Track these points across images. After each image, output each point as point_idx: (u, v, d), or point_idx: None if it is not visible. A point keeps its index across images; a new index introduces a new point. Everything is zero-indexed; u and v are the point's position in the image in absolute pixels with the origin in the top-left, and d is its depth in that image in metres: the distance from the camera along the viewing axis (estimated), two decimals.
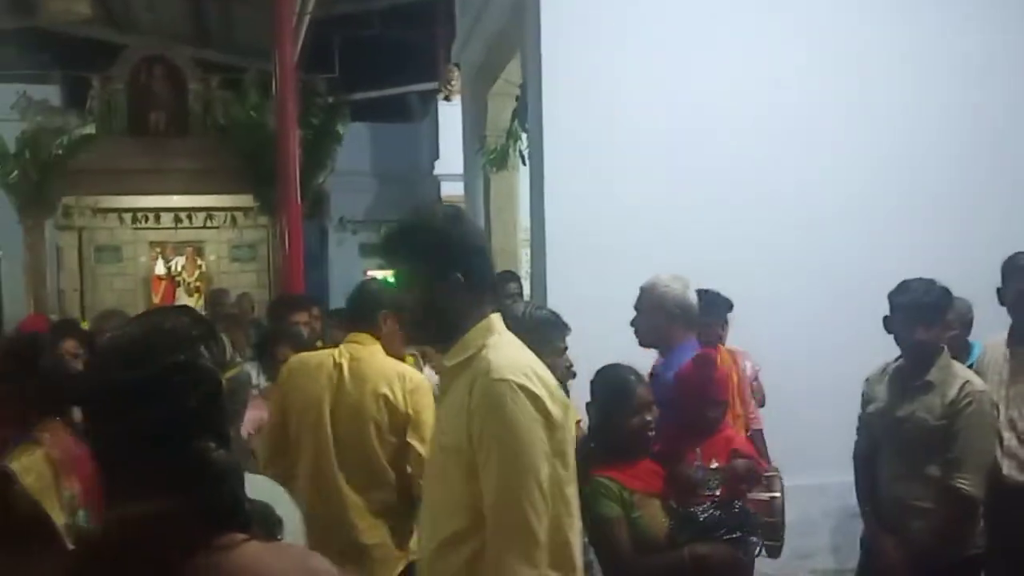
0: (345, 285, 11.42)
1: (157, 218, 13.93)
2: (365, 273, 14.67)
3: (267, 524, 1.57)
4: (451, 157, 12.71)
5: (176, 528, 1.31)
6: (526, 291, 6.11)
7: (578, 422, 3.37)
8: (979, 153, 5.75)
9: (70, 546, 2.22)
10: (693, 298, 3.81)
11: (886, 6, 5.82)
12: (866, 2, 5.82)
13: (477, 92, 8.28)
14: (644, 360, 4.54)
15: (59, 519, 2.62)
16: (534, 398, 1.97)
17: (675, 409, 3.29)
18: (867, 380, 3.92)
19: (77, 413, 3.63)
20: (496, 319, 2.15)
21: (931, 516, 3.51)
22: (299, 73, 9.95)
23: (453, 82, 12.93)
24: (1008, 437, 3.93)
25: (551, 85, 5.59)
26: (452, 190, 13.38)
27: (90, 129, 11.85)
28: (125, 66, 12.27)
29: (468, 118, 8.69)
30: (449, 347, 2.14)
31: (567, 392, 3.04)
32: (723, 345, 4.79)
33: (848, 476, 4.04)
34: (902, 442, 3.63)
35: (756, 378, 5.04)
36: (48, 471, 2.76)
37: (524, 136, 6.71)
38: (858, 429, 3.95)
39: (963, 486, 3.45)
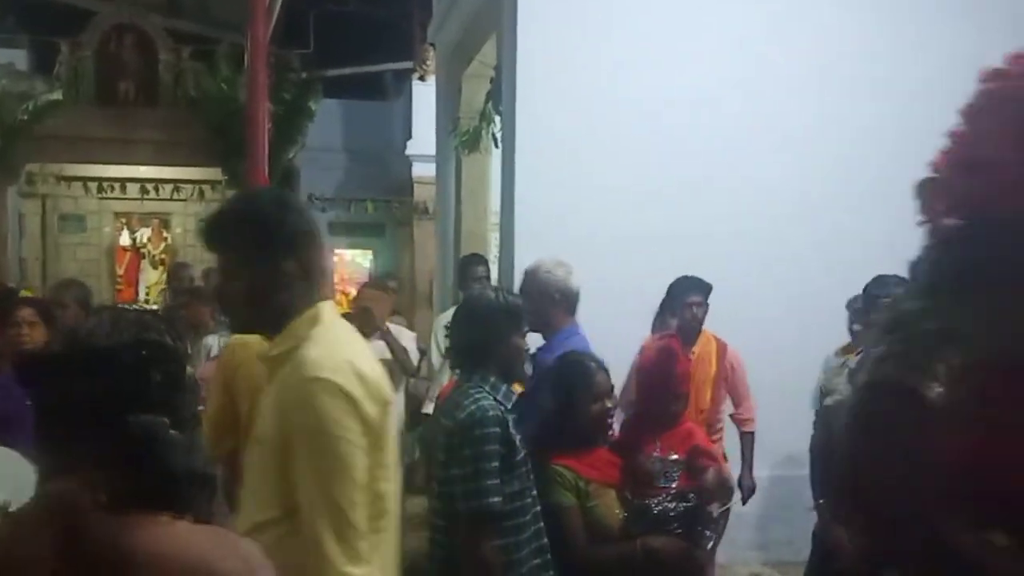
0: None
1: (123, 188, 13.74)
2: (333, 251, 14.59)
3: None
4: (424, 137, 12.61)
5: (97, 502, 1.32)
6: (494, 275, 6.09)
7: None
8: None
9: None
10: (575, 284, 3.85)
11: (860, 5, 5.84)
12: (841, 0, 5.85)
13: (452, 73, 8.21)
14: (610, 344, 4.54)
15: None
16: (346, 397, 1.89)
17: (638, 400, 3.30)
18: (824, 372, 3.94)
19: None
20: (325, 308, 2.05)
21: None
22: (272, 47, 9.80)
23: (428, 62, 12.84)
24: None
25: (526, 68, 5.56)
26: (424, 171, 13.30)
27: (57, 95, 11.65)
28: (95, 33, 12.07)
29: (442, 99, 8.63)
30: (274, 337, 2.04)
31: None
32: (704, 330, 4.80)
33: (802, 470, 4.07)
34: None
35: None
36: None
37: (497, 119, 6.67)
38: (815, 423, 3.97)
39: None
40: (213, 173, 12.62)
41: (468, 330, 2.92)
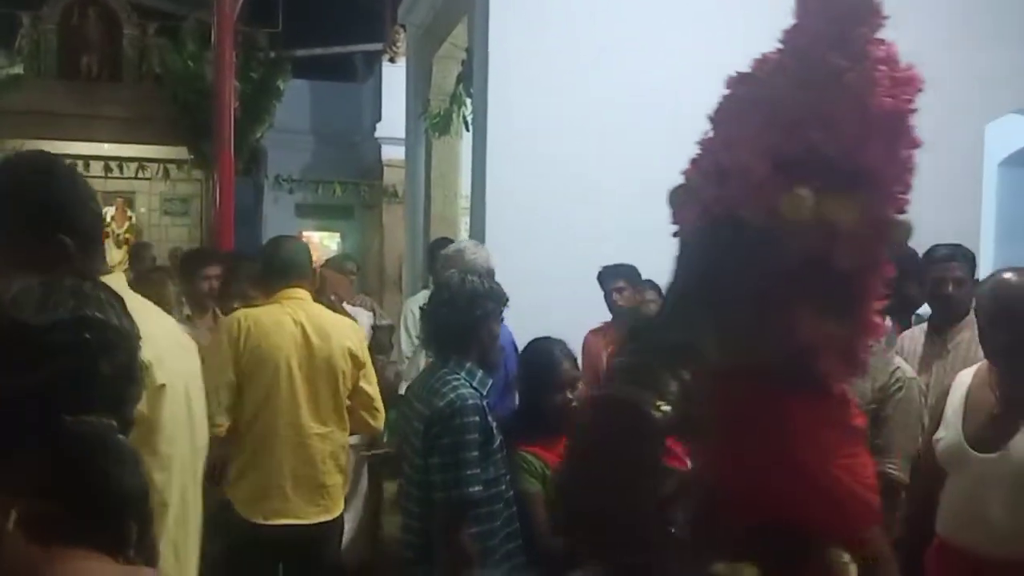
0: None
1: (87, 166, 13.46)
2: (300, 233, 14.45)
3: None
4: (394, 120, 12.48)
5: (5, 529, 1.04)
6: None
7: None
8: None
9: None
10: (493, 266, 3.93)
11: None
12: None
13: (422, 54, 8.13)
14: (578, 333, 4.51)
15: None
16: None
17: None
18: None
19: None
20: (113, 281, 1.91)
21: None
22: (240, 25, 9.66)
23: (398, 43, 12.71)
24: None
25: (498, 51, 5.50)
26: (393, 153, 13.19)
27: (18, 70, 11.41)
28: (57, 6, 11.83)
29: (412, 81, 8.54)
30: None
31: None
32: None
33: None
34: None
35: None
36: None
37: (469, 102, 6.60)
38: None
39: (890, 471, 3.47)
40: (179, 152, 12.43)
41: (448, 314, 2.85)
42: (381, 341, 5.60)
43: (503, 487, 2.78)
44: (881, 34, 1.35)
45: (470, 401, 2.68)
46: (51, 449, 1.06)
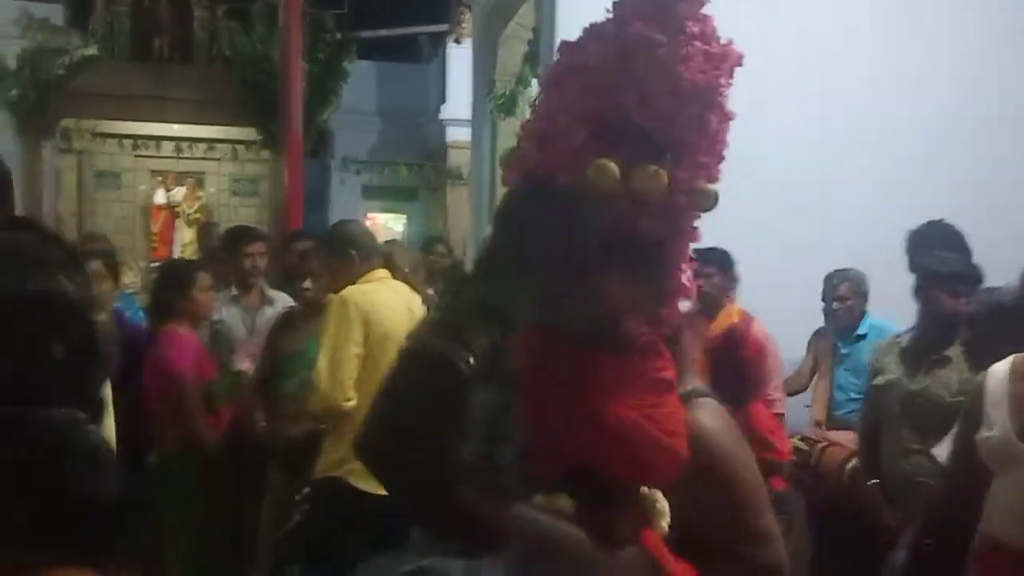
0: None
1: (158, 146, 13.73)
2: (366, 215, 14.54)
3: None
4: (458, 101, 12.50)
5: None
6: None
7: None
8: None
9: None
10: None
11: None
12: None
13: (488, 35, 8.06)
14: None
15: None
16: None
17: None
18: (875, 351, 3.82)
19: None
20: None
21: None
22: (306, 6, 9.71)
23: (464, 24, 12.69)
24: None
25: (565, 31, 5.41)
26: (458, 135, 13.20)
27: (92, 51, 11.62)
28: None
29: (478, 61, 8.48)
30: None
31: None
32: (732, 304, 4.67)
33: None
34: (913, 417, 3.53)
35: None
36: None
37: (534, 82, 6.52)
38: (864, 401, 3.86)
39: None
40: (248, 133, 12.58)
41: None
42: None
43: None
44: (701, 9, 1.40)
45: None
46: (6, 451, 0.88)
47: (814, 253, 5.08)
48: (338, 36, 12.35)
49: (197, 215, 14.17)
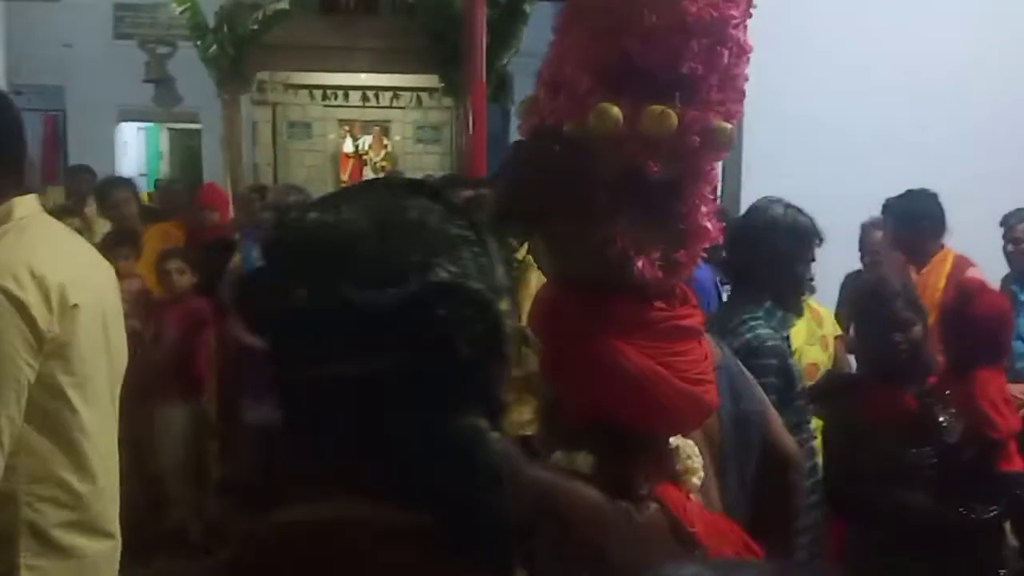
0: None
1: (346, 96, 14.12)
2: None
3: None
4: None
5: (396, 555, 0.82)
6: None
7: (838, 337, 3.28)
8: None
9: None
10: None
11: None
12: None
13: None
14: (829, 292, 4.17)
15: None
16: (17, 302, 1.79)
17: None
18: None
19: None
20: (20, 204, 1.93)
21: None
22: None
23: None
24: None
25: None
26: None
27: (284, 5, 11.99)
28: None
29: None
30: None
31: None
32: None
33: None
34: None
35: None
36: None
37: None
38: None
39: None
40: (431, 80, 12.74)
41: (746, 245, 2.63)
42: None
43: (804, 435, 2.57)
44: None
45: (768, 342, 2.46)
46: (423, 459, 0.83)
47: None
48: None
49: (384, 163, 14.53)
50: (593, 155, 1.30)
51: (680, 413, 1.36)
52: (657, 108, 1.29)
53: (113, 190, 5.73)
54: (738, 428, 1.71)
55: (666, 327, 1.38)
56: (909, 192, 4.33)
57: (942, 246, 4.28)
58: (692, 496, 1.40)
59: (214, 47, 11.56)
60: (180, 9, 11.44)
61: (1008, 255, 4.49)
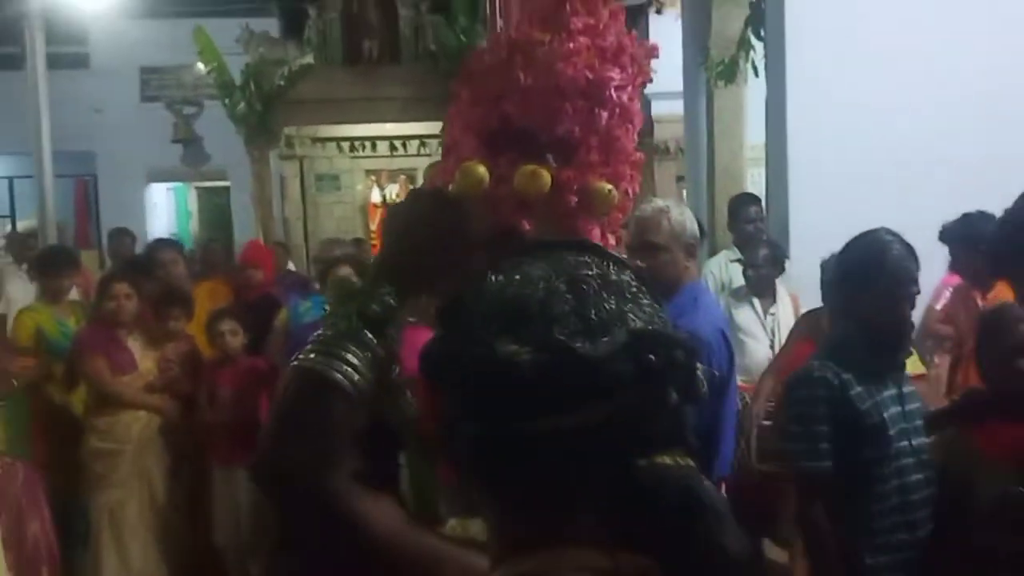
0: None
1: (373, 146, 14.20)
2: None
3: None
4: (662, 74, 12.12)
5: None
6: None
7: None
8: None
9: None
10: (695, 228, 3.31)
11: None
12: None
13: (700, 2, 7.81)
14: None
15: None
16: None
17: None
18: None
19: None
20: None
21: None
22: None
23: None
24: None
25: None
26: (663, 108, 12.87)
27: (308, 59, 12.13)
28: None
29: (689, 31, 8.24)
30: None
31: None
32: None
33: None
34: None
35: None
36: None
37: (759, 46, 6.23)
38: None
39: None
40: None
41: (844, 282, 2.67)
42: None
43: (888, 470, 2.54)
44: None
45: (816, 374, 2.57)
46: (645, 503, 0.86)
47: None
48: None
49: None
50: (466, 213, 1.30)
51: None
52: (529, 168, 1.30)
53: (160, 251, 5.74)
54: None
55: None
56: (966, 216, 4.24)
57: None
58: None
59: (242, 104, 11.71)
60: (208, 69, 11.59)
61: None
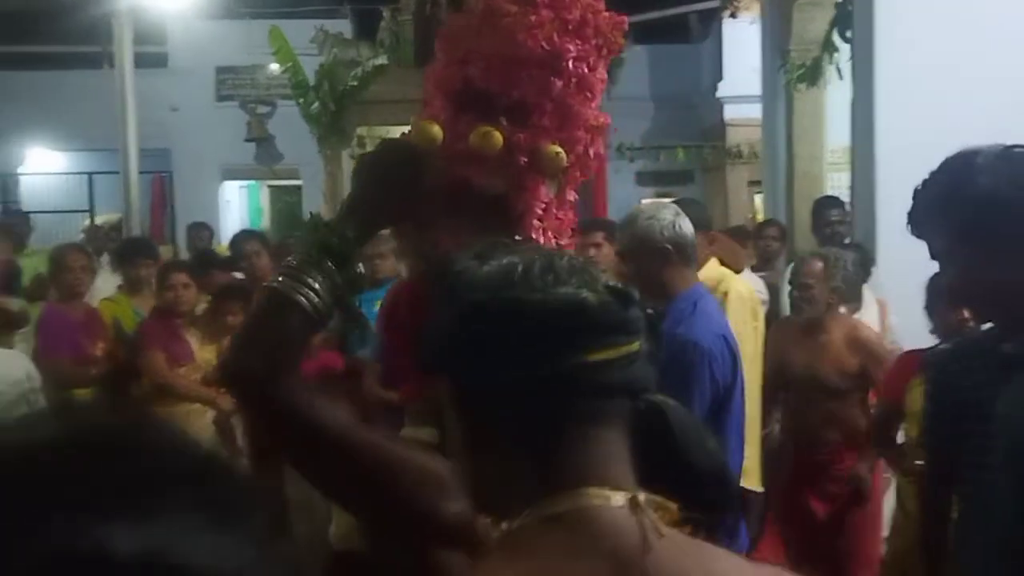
0: (620, 213, 11.19)
1: None
2: (640, 201, 14.41)
3: None
4: (737, 78, 12.09)
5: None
6: None
7: None
8: None
9: None
10: (688, 231, 2.99)
11: None
12: None
13: (780, 5, 7.69)
14: None
15: None
16: None
17: None
18: None
19: None
20: None
21: None
22: None
23: None
24: None
25: None
26: (737, 112, 12.76)
27: (381, 60, 12.20)
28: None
29: (768, 33, 8.13)
30: None
31: None
32: None
33: None
34: None
35: None
36: None
37: (845, 48, 6.10)
38: None
39: None
40: None
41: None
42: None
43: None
44: None
45: None
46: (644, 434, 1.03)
47: None
48: None
49: None
50: (422, 164, 1.44)
51: None
52: (482, 128, 1.42)
53: (245, 243, 5.80)
54: None
55: None
56: None
57: None
58: None
59: (315, 104, 11.81)
60: (282, 69, 11.72)
61: None
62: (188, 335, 4.67)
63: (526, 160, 1.45)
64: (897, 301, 4.36)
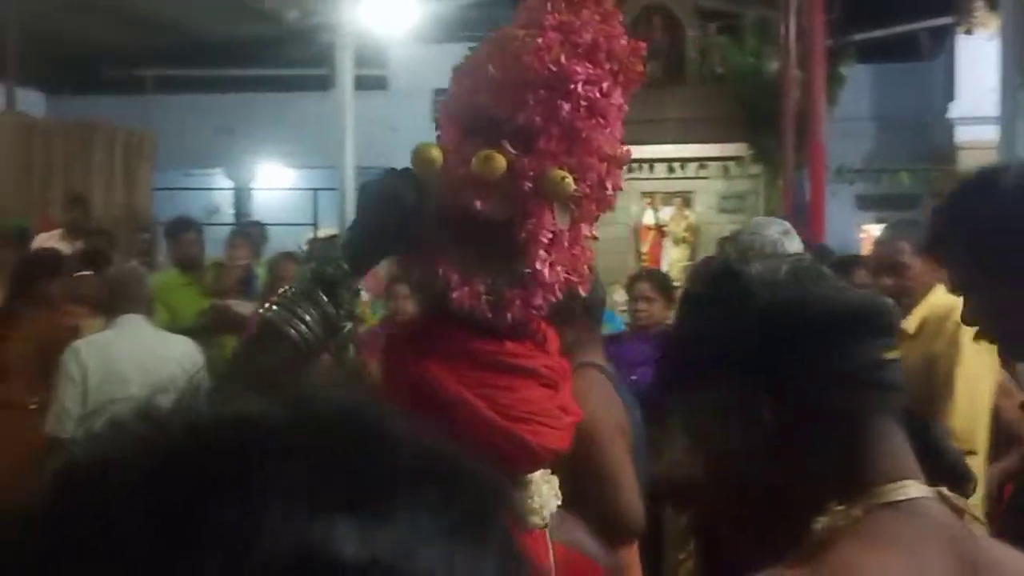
0: (839, 238, 10.71)
1: (651, 168, 14.08)
2: (860, 227, 13.72)
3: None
4: (971, 98, 11.36)
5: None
6: None
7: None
8: None
9: None
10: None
11: None
12: None
13: (1021, 19, 7.14)
14: None
15: None
16: None
17: None
18: None
19: None
20: None
21: None
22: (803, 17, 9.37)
23: (977, 12, 11.47)
24: None
25: None
26: (970, 134, 11.96)
27: None
28: (625, 16, 12.44)
29: (1008, 49, 7.57)
30: None
31: None
32: None
33: None
34: None
35: None
36: None
37: None
38: None
39: None
40: (738, 148, 12.50)
41: None
42: None
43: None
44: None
45: None
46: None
47: None
48: (829, 42, 11.81)
49: (685, 234, 14.33)
50: (419, 194, 1.41)
51: (492, 445, 1.35)
52: (484, 152, 1.38)
53: None
54: None
55: (492, 360, 1.42)
56: None
57: None
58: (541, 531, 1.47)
59: None
60: None
61: None
62: None
63: (530, 185, 1.41)
64: None
